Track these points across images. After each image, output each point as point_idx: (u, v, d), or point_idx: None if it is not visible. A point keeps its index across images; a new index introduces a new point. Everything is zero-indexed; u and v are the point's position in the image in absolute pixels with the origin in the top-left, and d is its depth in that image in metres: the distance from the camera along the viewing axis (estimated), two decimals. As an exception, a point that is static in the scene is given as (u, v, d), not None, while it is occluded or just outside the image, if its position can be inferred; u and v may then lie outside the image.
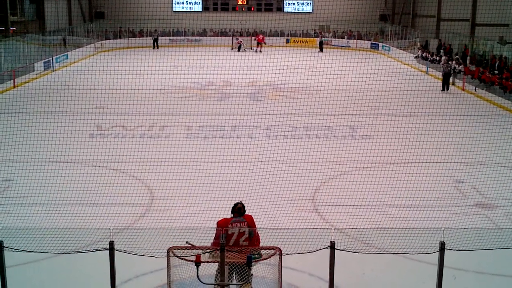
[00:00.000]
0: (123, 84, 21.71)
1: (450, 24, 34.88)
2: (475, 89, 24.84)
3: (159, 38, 43.97)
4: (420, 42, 37.15)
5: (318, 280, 8.27)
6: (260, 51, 41.12)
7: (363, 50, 42.47)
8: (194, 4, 48.81)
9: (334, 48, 43.76)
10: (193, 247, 6.64)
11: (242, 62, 29.51)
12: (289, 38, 46.16)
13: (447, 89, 25.57)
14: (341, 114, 18.86)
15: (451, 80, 27.55)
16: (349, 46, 44.51)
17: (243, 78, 24.22)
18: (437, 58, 32.29)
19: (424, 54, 34.35)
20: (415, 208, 11.09)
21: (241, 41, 42.66)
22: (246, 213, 7.43)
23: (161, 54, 31.03)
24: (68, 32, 38.98)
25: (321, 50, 41.79)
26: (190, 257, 6.36)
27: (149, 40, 43.79)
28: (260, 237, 7.44)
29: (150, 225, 10.05)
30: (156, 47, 43.04)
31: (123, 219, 10.34)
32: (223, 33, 46.70)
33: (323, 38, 43.39)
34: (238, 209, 7.37)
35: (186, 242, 6.81)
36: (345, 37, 45.99)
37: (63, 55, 33.83)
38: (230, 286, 6.82)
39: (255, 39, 42.84)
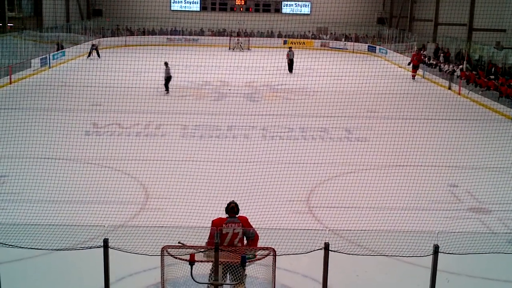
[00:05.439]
0: (119, 82, 21.68)
1: (448, 28, 34.94)
2: (468, 93, 24.95)
3: (99, 46, 36.87)
4: (417, 46, 37.24)
5: (312, 281, 8.29)
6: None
7: (360, 53, 42.53)
8: (192, 3, 48.84)
9: (331, 50, 43.78)
10: (184, 246, 6.62)
11: (239, 62, 29.51)
12: (287, 39, 46.18)
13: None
14: (337, 116, 18.89)
15: (447, 84, 27.64)
16: (346, 49, 44.57)
17: (239, 79, 24.23)
18: (434, 62, 32.37)
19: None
20: (409, 211, 11.12)
21: (239, 39, 42.74)
22: (241, 213, 7.44)
23: (159, 53, 30.98)
24: (66, 29, 38.85)
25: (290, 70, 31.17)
26: (184, 256, 6.37)
27: (149, 39, 43.51)
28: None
29: (144, 224, 10.04)
30: (95, 54, 35.23)
31: (118, 217, 10.33)
32: (221, 33, 46.71)
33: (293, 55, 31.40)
34: (232, 208, 7.37)
35: (178, 242, 6.80)
36: (343, 39, 46.03)
37: (60, 52, 33.75)
38: (224, 285, 6.82)
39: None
